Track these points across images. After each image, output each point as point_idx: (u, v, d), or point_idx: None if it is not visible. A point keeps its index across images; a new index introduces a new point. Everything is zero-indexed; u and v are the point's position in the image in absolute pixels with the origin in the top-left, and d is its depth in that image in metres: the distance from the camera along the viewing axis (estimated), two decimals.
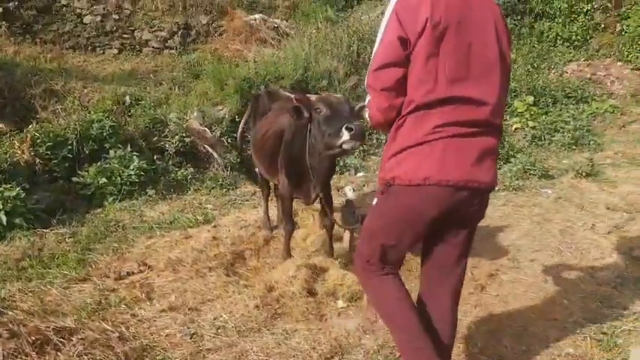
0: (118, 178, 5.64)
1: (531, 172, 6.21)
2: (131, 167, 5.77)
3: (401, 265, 2.67)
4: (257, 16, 11.34)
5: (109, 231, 4.81)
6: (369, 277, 2.53)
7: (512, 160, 6.53)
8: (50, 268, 4.03)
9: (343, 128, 3.09)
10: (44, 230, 4.75)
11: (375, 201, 2.58)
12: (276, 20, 11.75)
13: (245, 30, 10.78)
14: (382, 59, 2.22)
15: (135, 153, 5.96)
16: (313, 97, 3.61)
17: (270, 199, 5.06)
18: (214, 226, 4.90)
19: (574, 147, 7.35)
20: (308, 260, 3.98)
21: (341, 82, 8.33)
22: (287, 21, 12.07)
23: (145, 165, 5.87)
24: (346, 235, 4.38)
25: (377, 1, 12.33)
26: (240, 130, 5.32)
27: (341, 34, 9.60)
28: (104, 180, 5.55)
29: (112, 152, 5.87)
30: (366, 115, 2.53)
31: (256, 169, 6.81)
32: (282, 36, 11.23)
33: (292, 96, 4.41)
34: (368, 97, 2.39)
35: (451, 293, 2.53)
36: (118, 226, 4.93)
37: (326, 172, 3.82)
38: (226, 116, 7.25)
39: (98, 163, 5.72)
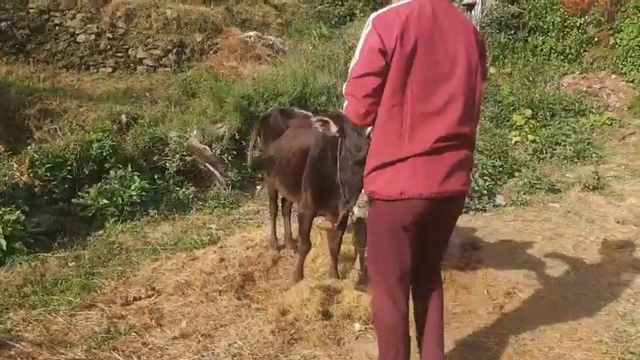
0: (119, 198, 5.52)
1: (537, 186, 6.17)
2: (132, 187, 5.66)
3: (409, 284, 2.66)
4: (252, 33, 11.34)
5: (113, 254, 4.68)
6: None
7: (516, 174, 6.49)
8: (54, 295, 3.89)
9: None
10: (45, 254, 4.61)
11: (368, 212, 2.68)
12: (270, 37, 11.76)
13: (240, 47, 10.75)
14: (363, 68, 2.32)
15: (135, 173, 5.86)
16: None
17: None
18: (220, 247, 4.78)
19: (576, 160, 7.33)
20: (321, 281, 3.87)
21: (340, 98, 8.27)
22: (281, 38, 12.11)
23: (146, 185, 5.77)
24: (359, 256, 4.29)
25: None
26: (250, 151, 5.28)
27: (337, 50, 9.62)
28: (105, 201, 5.43)
29: (112, 172, 5.76)
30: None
31: (257, 188, 7.04)
32: (277, 53, 11.25)
33: (309, 114, 4.36)
34: (345, 103, 2.48)
35: (438, 295, 2.75)
36: (122, 248, 4.81)
37: (358, 187, 3.71)
38: (226, 134, 7.15)
39: (98, 184, 5.61)
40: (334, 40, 11.08)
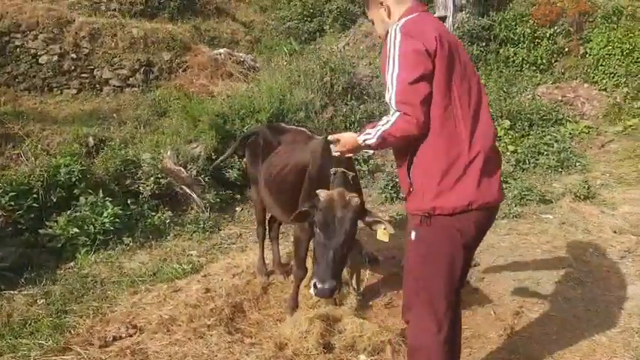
0: (91, 226, 5.13)
1: (528, 197, 6.02)
2: (104, 214, 5.27)
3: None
4: (222, 50, 11.11)
5: (86, 288, 4.30)
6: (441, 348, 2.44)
7: (503, 185, 6.32)
8: (23, 338, 3.49)
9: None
10: (11, 292, 4.20)
11: (413, 235, 2.42)
12: (241, 54, 11.55)
13: (210, 65, 10.51)
14: (413, 72, 2.22)
15: (107, 198, 5.46)
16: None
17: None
18: (204, 276, 4.45)
19: (561, 169, 7.24)
20: (319, 310, 3.58)
21: (318, 114, 8.06)
22: (251, 55, 11.90)
23: (119, 211, 5.38)
24: (355, 277, 4.02)
25: (340, 34, 12.31)
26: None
27: (312, 65, 9.41)
28: (75, 230, 5.03)
29: (82, 199, 5.36)
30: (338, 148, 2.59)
31: (237, 209, 6.71)
32: (249, 70, 11.03)
33: (303, 129, 4.10)
34: (389, 118, 2.29)
35: (460, 318, 2.68)
36: (96, 281, 4.42)
37: None
38: (202, 154, 6.82)
39: (67, 212, 5.20)
40: (306, 56, 10.92)
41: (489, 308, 3.83)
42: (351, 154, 2.75)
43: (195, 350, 3.26)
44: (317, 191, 2.98)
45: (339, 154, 2.67)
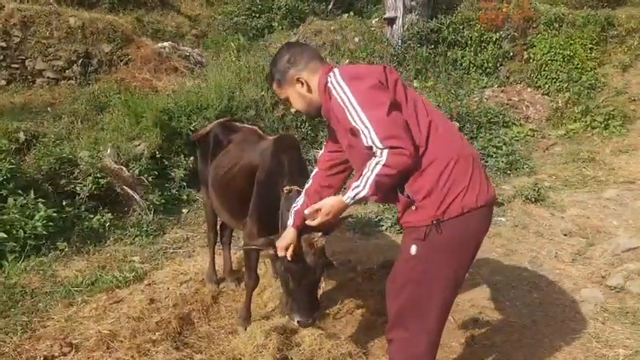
0: (20, 231, 4.66)
1: None
2: (36, 217, 4.81)
3: None
4: (166, 44, 10.71)
5: (14, 300, 3.87)
6: None
7: None
8: None
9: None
10: None
11: (413, 249, 2.26)
12: (187, 48, 11.16)
13: (154, 58, 10.09)
14: (382, 107, 2.16)
15: (40, 200, 5.00)
16: None
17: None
18: (148, 285, 4.13)
19: (509, 171, 7.31)
20: (274, 321, 3.35)
21: (268, 112, 7.81)
22: (197, 49, 11.52)
23: (52, 213, 4.92)
24: None
25: (289, 31, 12.10)
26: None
27: (262, 61, 9.16)
28: (2, 234, 4.55)
29: (10, 200, 4.87)
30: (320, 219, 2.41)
31: (184, 211, 6.34)
32: (195, 65, 10.65)
33: (255, 128, 3.84)
34: (378, 160, 2.14)
35: None
36: (25, 292, 4.00)
37: None
38: (145, 152, 6.43)
39: None
40: (254, 52, 10.65)
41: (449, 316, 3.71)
42: (334, 218, 2.51)
43: None
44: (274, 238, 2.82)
45: (318, 225, 2.47)
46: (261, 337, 3.10)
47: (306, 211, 2.47)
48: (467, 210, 2.19)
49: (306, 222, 2.51)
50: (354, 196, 2.24)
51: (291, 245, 2.64)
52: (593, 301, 3.94)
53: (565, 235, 5.14)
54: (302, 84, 2.42)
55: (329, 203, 2.37)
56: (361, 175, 2.20)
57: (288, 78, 2.44)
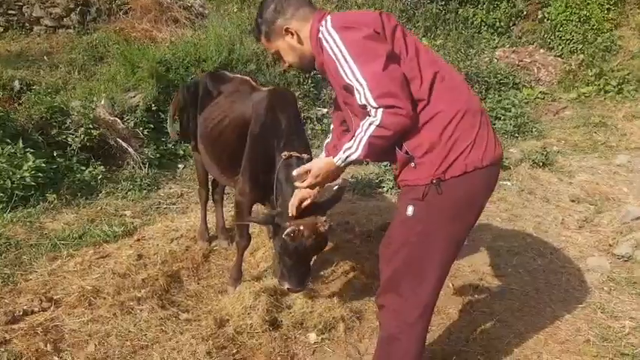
0: (8, 181, 4.50)
1: None
2: (25, 167, 4.64)
3: None
4: None
5: None
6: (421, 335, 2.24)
7: None
8: None
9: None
10: None
11: (410, 210, 2.07)
12: None
13: (155, 8, 9.67)
14: (377, 60, 1.92)
15: (29, 149, 4.82)
16: None
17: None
18: (138, 240, 3.98)
19: (517, 135, 7.06)
20: (264, 282, 3.21)
21: (270, 67, 7.52)
22: (200, 0, 11.12)
23: (42, 164, 4.74)
24: None
25: None
26: (169, 122, 4.27)
27: None
28: None
29: None
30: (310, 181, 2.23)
31: (179, 167, 6.17)
32: (197, 16, 10.29)
33: (247, 78, 3.60)
34: (372, 120, 1.94)
35: None
36: (10, 244, 3.85)
37: None
38: (140, 104, 6.20)
39: None
40: (258, 4, 10.25)
41: (447, 281, 3.56)
42: (327, 182, 2.32)
43: (121, 328, 2.83)
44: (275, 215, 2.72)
45: (308, 186, 2.29)
46: (250, 298, 2.97)
47: (295, 172, 2.29)
48: (471, 169, 1.99)
49: (295, 184, 2.33)
50: (346, 158, 2.06)
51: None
52: (599, 270, 3.78)
53: (572, 201, 4.95)
54: (292, 34, 2.19)
55: (318, 165, 2.20)
56: (354, 135, 2.01)
57: (276, 29, 2.21)
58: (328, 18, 2.07)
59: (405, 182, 2.10)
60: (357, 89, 1.93)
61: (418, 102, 1.99)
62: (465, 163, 1.98)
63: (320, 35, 2.06)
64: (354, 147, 2.00)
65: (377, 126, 1.92)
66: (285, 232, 2.57)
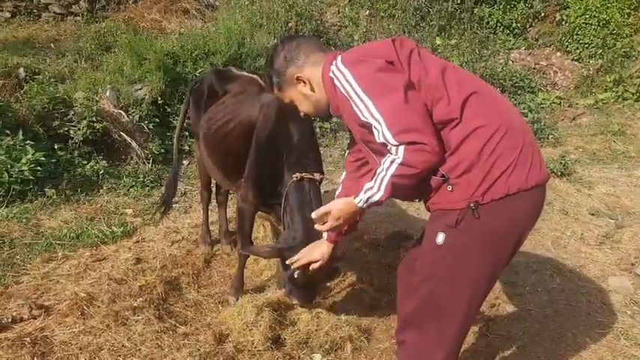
0: (5, 174, 4.34)
1: None
2: (23, 160, 4.47)
3: None
4: None
5: None
6: None
7: None
8: None
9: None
10: None
11: (440, 238, 1.88)
12: None
13: None
14: (394, 92, 1.77)
15: (29, 142, 4.66)
16: None
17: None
18: (137, 242, 3.82)
19: None
20: (268, 295, 3.02)
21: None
22: None
23: (42, 157, 4.58)
24: None
25: None
26: (178, 128, 4.02)
27: (277, 7, 8.60)
28: None
29: None
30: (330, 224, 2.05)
31: (184, 163, 5.99)
32: (207, 8, 10.11)
33: (254, 76, 3.40)
34: (393, 158, 1.78)
35: None
36: (4, 242, 3.68)
37: None
38: (146, 97, 6.02)
39: None
40: None
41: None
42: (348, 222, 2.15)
43: (114, 342, 2.65)
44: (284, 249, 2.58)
45: (329, 230, 2.14)
46: (252, 312, 2.78)
47: (314, 215, 2.09)
48: (514, 190, 1.79)
49: (315, 226, 2.13)
50: (367, 199, 1.88)
51: (319, 262, 2.34)
52: (621, 292, 3.58)
53: (592, 214, 4.74)
54: (304, 83, 2.05)
55: (337, 207, 2.01)
56: (375, 174, 1.84)
57: (287, 78, 2.07)
58: (339, 57, 1.92)
59: (437, 206, 1.91)
60: (374, 127, 1.78)
61: (450, 122, 1.81)
62: (507, 184, 1.78)
63: (331, 74, 1.91)
64: (376, 187, 1.83)
65: (400, 164, 1.75)
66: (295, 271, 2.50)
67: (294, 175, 2.68)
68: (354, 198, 1.92)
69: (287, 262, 2.42)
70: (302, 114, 2.17)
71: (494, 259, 1.88)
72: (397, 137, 1.73)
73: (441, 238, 1.86)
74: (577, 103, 8.68)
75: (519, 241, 1.92)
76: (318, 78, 2.00)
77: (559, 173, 5.47)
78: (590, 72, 9.16)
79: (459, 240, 1.84)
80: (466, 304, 1.90)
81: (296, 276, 2.49)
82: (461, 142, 1.80)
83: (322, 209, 2.07)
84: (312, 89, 2.04)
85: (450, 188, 1.83)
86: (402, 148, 1.73)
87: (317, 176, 2.74)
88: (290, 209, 2.66)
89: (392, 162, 1.76)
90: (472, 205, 1.78)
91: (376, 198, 1.85)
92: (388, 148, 1.77)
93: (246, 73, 3.54)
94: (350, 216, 2.01)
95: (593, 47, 9.62)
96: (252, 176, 2.90)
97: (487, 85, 2.02)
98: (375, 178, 1.83)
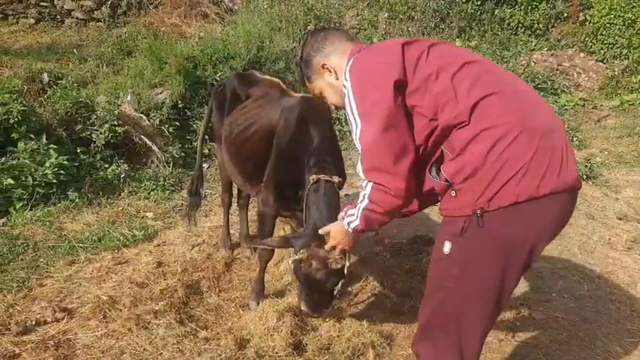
0: (30, 178, 4.40)
1: None
2: (47, 164, 4.53)
3: None
4: None
5: (15, 253, 3.62)
6: None
7: None
8: None
9: None
10: None
11: (446, 247, 1.80)
12: None
13: (184, 3, 9.61)
14: (375, 122, 1.75)
15: (52, 145, 4.72)
16: None
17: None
18: (157, 246, 3.84)
19: None
20: (289, 300, 3.00)
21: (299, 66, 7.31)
22: None
23: (65, 161, 4.64)
24: None
25: None
26: (202, 132, 4.01)
27: (296, 10, 8.61)
28: (10, 181, 4.30)
29: (21, 144, 4.61)
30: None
31: (204, 166, 5.99)
32: (226, 12, 10.16)
33: (277, 80, 3.39)
34: (364, 191, 1.83)
35: None
36: (27, 245, 3.74)
37: None
38: (167, 101, 6.05)
39: (2, 159, 4.46)
40: (288, 0, 10.07)
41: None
42: (347, 246, 2.24)
43: (136, 345, 2.66)
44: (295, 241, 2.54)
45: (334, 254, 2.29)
46: (274, 317, 2.76)
47: (320, 231, 2.23)
48: (524, 198, 1.66)
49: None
50: (348, 224, 1.95)
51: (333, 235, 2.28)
52: None
53: (620, 219, 4.63)
54: (329, 71, 2.04)
55: (335, 228, 2.12)
56: (356, 203, 1.88)
57: (314, 67, 2.07)
58: (352, 61, 1.90)
59: (445, 212, 1.86)
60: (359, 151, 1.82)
61: (457, 125, 1.74)
62: (516, 191, 1.66)
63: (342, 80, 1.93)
64: (355, 215, 1.89)
65: (368, 200, 1.80)
66: (292, 259, 2.50)
67: (310, 177, 2.66)
68: (343, 219, 2.00)
69: (320, 231, 2.35)
70: (331, 107, 2.17)
71: (504, 269, 1.75)
72: (366, 173, 1.77)
73: (447, 247, 1.79)
74: (602, 105, 8.51)
75: (534, 251, 1.77)
76: (344, 67, 1.96)
77: (584, 176, 5.34)
78: (615, 73, 8.98)
79: (465, 249, 1.76)
80: (477, 317, 1.82)
81: (301, 267, 2.45)
82: (466, 144, 1.72)
83: (325, 229, 2.18)
84: (337, 77, 2.02)
85: (453, 194, 1.77)
86: (369, 185, 1.77)
87: (335, 179, 2.71)
88: (307, 209, 2.65)
89: (363, 196, 1.81)
90: (477, 212, 1.70)
91: (354, 225, 1.91)
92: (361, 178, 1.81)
93: (268, 77, 3.53)
94: (346, 239, 2.11)
95: (618, 47, 9.43)
96: (272, 180, 2.88)
97: (516, 81, 1.90)
98: (357, 206, 1.87)
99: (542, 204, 1.68)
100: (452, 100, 1.73)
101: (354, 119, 1.80)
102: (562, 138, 1.77)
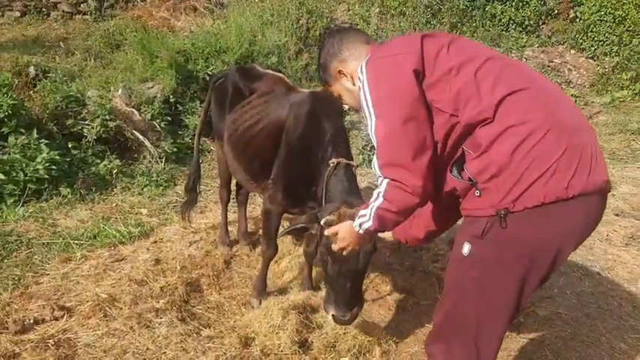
0: (21, 173, 4.30)
1: None
2: (38, 159, 4.42)
3: None
4: None
5: (8, 250, 3.52)
6: None
7: None
8: None
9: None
10: None
11: (466, 248, 1.74)
12: None
13: None
14: (394, 118, 1.70)
15: (43, 140, 4.61)
16: None
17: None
18: (154, 242, 3.76)
19: None
20: (293, 297, 2.95)
21: (292, 60, 7.26)
22: None
23: (56, 156, 4.53)
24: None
25: None
26: (199, 127, 3.91)
27: (287, 5, 8.53)
28: (1, 176, 4.19)
29: (11, 139, 4.49)
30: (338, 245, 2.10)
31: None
32: (216, 6, 10.05)
33: (280, 75, 3.33)
34: (379, 189, 1.77)
35: None
36: (21, 242, 3.64)
37: None
38: (158, 95, 5.95)
39: None
40: None
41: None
42: (356, 246, 2.12)
43: (138, 344, 2.60)
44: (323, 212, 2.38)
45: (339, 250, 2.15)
46: (279, 315, 2.72)
47: (327, 232, 2.14)
48: (551, 199, 1.60)
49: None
50: (360, 226, 1.88)
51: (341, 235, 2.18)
52: None
53: (616, 215, 4.66)
54: (346, 76, 2.01)
55: (344, 228, 2.03)
56: (369, 202, 1.82)
57: (331, 72, 2.05)
58: (368, 55, 1.87)
59: (466, 212, 1.80)
60: (374, 146, 1.76)
61: (481, 122, 1.68)
62: (543, 191, 1.60)
63: (357, 73, 1.87)
64: (367, 216, 1.83)
65: (383, 198, 1.74)
66: (323, 221, 2.26)
67: (330, 162, 2.60)
68: (354, 221, 1.93)
69: (326, 232, 2.21)
70: (346, 107, 2.15)
71: (525, 275, 1.70)
72: (382, 169, 1.72)
73: (466, 248, 1.75)
74: (593, 102, 8.59)
75: (559, 256, 1.70)
76: (357, 72, 1.91)
77: None
78: (606, 70, 9.05)
79: (485, 252, 1.72)
80: (494, 320, 1.78)
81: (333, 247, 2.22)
82: (491, 142, 1.66)
83: (333, 229, 2.11)
84: (354, 83, 1.98)
85: (477, 193, 1.71)
86: (385, 181, 1.71)
87: (353, 163, 2.67)
88: (328, 189, 2.57)
89: (378, 194, 1.75)
90: (501, 213, 1.64)
91: (366, 226, 1.85)
92: (377, 176, 1.76)
93: (270, 71, 3.46)
94: (354, 239, 2.01)
95: (609, 44, 9.51)
96: (281, 177, 2.82)
97: (540, 77, 1.86)
98: (369, 206, 1.82)
99: (570, 206, 1.62)
100: (474, 96, 1.67)
101: (369, 112, 1.75)
102: (591, 136, 1.72)
